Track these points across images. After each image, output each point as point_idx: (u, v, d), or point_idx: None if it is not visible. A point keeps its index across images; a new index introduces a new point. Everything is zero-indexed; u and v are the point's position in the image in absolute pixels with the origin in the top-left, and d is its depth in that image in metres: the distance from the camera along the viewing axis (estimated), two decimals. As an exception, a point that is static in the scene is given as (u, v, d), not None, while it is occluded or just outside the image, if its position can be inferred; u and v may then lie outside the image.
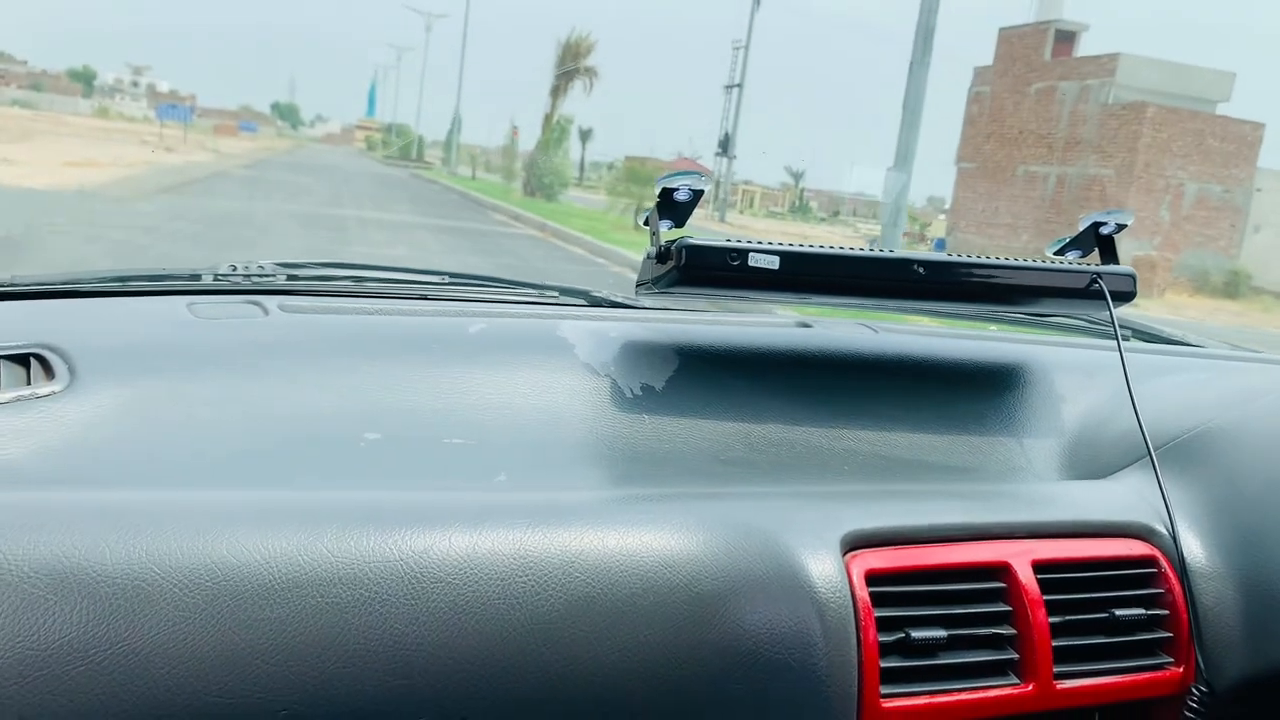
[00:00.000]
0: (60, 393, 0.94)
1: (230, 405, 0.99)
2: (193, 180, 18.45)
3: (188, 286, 1.26)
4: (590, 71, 28.95)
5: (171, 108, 37.38)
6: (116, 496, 0.82)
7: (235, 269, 1.36)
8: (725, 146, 35.21)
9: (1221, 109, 26.47)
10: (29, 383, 0.95)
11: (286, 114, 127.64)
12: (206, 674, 0.74)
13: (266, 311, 1.15)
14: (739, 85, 30.41)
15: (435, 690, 0.80)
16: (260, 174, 24.50)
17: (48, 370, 0.97)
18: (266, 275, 1.36)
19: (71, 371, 0.97)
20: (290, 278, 1.36)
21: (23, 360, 0.98)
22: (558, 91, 28.99)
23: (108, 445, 0.91)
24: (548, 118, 27.97)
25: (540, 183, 26.11)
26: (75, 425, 0.92)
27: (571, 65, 28.23)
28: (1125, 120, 24.75)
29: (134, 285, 1.25)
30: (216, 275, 1.33)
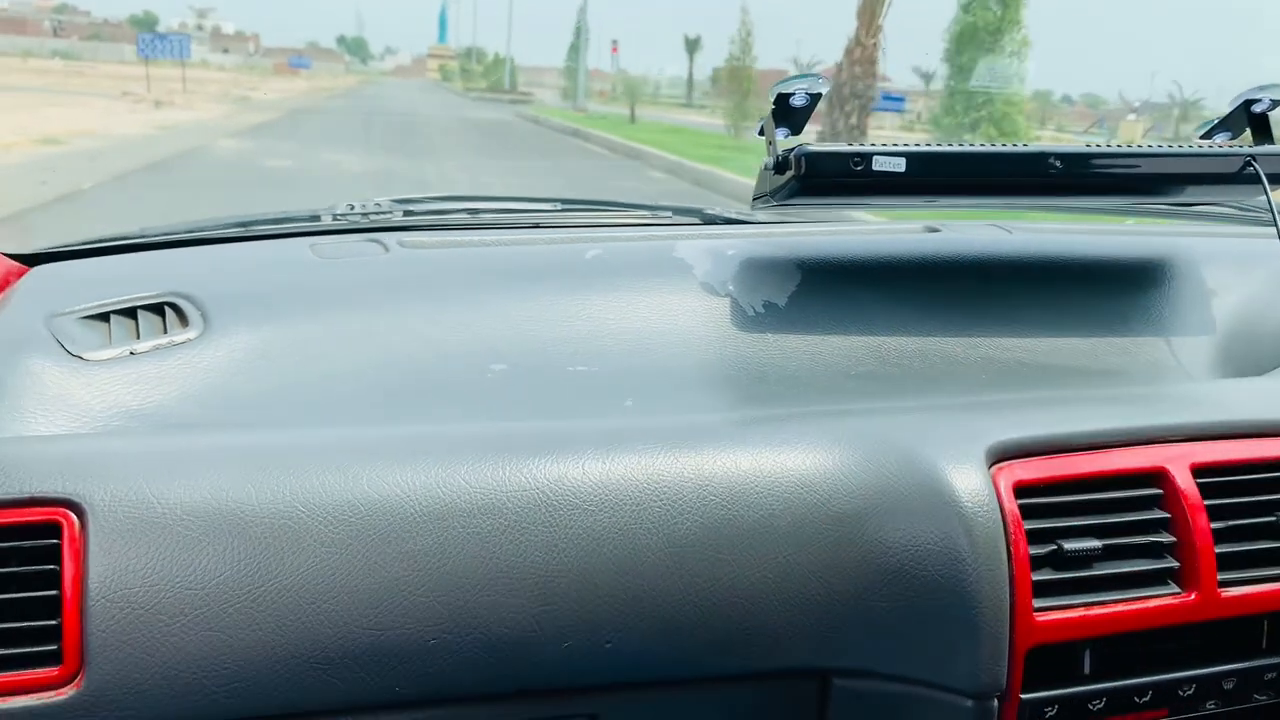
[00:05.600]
0: (195, 339, 0.98)
1: (358, 343, 1.02)
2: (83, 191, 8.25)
3: (308, 228, 1.28)
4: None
5: (159, 39, 23.99)
6: (258, 438, 0.86)
7: (353, 208, 1.37)
8: None
9: None
10: (166, 331, 1.00)
11: (354, 48, 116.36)
12: (357, 608, 0.78)
13: (387, 249, 1.16)
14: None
15: (577, 616, 0.82)
16: (268, 149, 11.52)
17: (183, 318, 1.01)
18: (384, 213, 1.37)
19: (205, 318, 1.00)
20: (407, 213, 1.37)
21: (158, 309, 1.02)
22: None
23: (245, 388, 0.95)
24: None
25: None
26: (212, 370, 0.96)
27: None
28: None
29: (257, 230, 1.28)
30: (335, 215, 1.34)
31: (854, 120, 13.76)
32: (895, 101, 27.93)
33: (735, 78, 18.73)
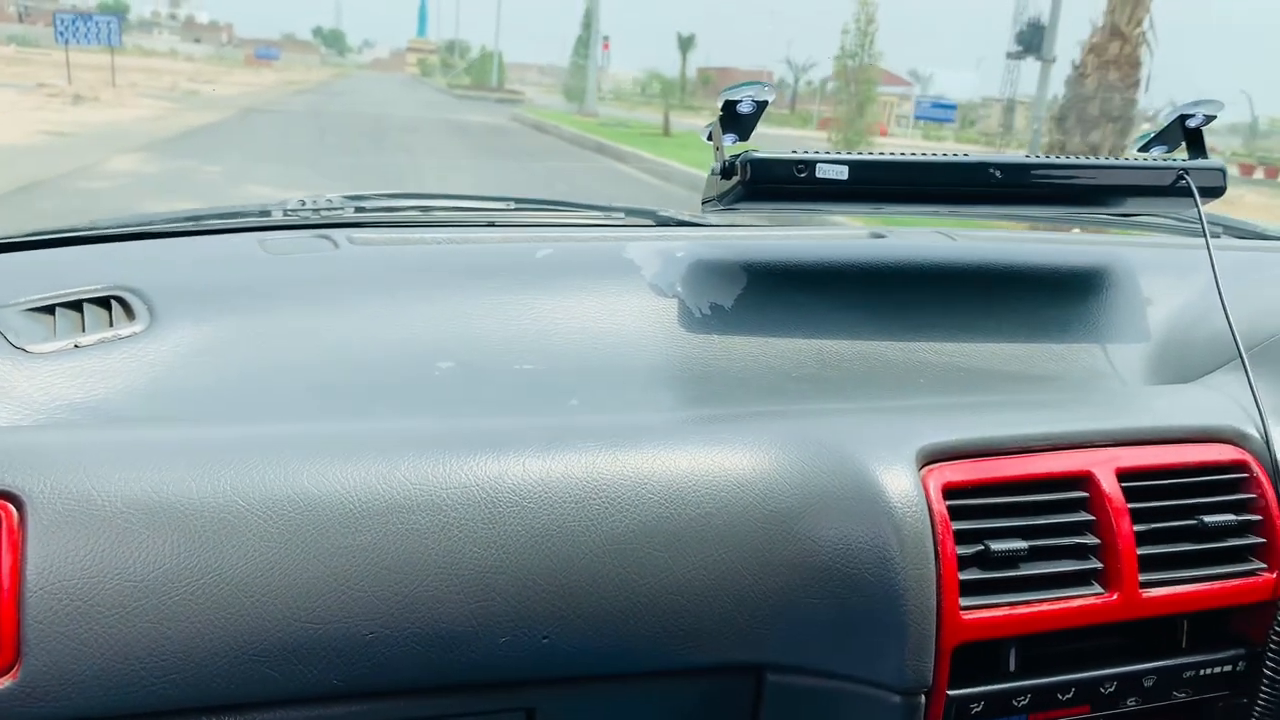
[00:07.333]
0: (141, 333, 0.97)
1: (306, 340, 1.01)
2: None
3: (258, 223, 1.26)
4: None
5: (81, 20, 18.99)
6: (200, 433, 0.87)
7: (304, 203, 1.36)
8: (1030, 42, 15.96)
9: None
10: (111, 324, 0.98)
11: (331, 41, 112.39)
12: (295, 601, 0.78)
13: (337, 245, 1.15)
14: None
15: (515, 612, 0.82)
16: (179, 175, 7.30)
17: (129, 311, 1.00)
18: (335, 208, 1.35)
19: (151, 312, 0.99)
20: (358, 209, 1.35)
21: (104, 303, 1.01)
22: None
23: (189, 383, 0.94)
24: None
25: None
26: (157, 365, 0.95)
27: None
28: None
29: (206, 224, 1.26)
30: (286, 210, 1.33)
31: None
32: (946, 109, 24.23)
33: (850, 79, 14.22)
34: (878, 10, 13.61)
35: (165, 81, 25.76)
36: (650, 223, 1.37)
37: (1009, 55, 21.76)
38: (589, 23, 26.20)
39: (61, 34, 18.13)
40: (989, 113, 26.98)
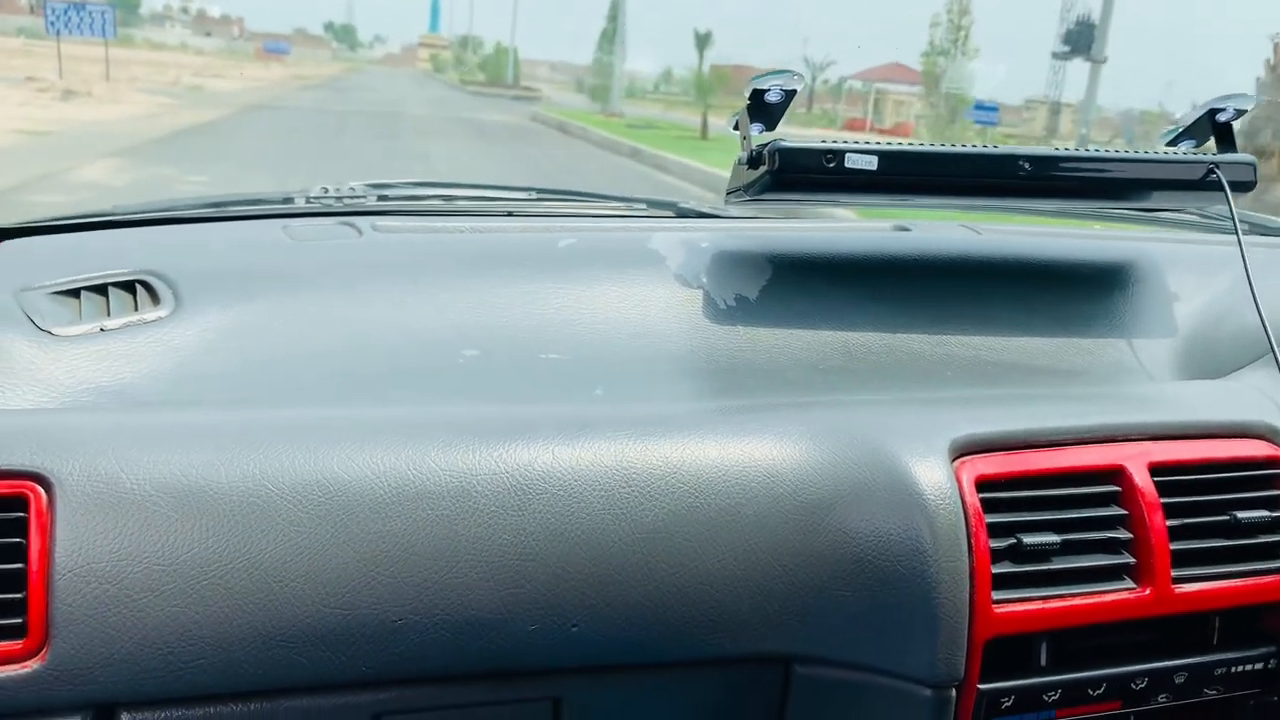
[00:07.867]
0: (166, 318, 0.96)
1: (331, 325, 1.00)
2: None
3: (282, 210, 1.25)
4: None
5: (74, 10, 17.59)
6: (227, 417, 0.86)
7: (327, 191, 1.35)
8: (1079, 42, 14.15)
9: None
10: (136, 308, 0.98)
11: (342, 35, 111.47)
12: (324, 587, 0.77)
13: (360, 232, 1.14)
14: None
15: (543, 600, 0.82)
16: (158, 185, 6.07)
17: (154, 296, 0.99)
18: (358, 196, 1.33)
19: (176, 297, 0.99)
20: (381, 198, 1.34)
21: (129, 287, 1.00)
22: None
23: (214, 367, 0.94)
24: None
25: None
26: (183, 349, 0.94)
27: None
28: None
29: (230, 210, 1.25)
30: (309, 198, 1.32)
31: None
32: (988, 112, 22.99)
33: (938, 80, 12.90)
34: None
35: (169, 75, 24.65)
36: (671, 214, 1.36)
37: (1054, 55, 20.49)
38: (614, 14, 24.87)
39: (53, 24, 16.92)
40: (1033, 115, 25.70)
